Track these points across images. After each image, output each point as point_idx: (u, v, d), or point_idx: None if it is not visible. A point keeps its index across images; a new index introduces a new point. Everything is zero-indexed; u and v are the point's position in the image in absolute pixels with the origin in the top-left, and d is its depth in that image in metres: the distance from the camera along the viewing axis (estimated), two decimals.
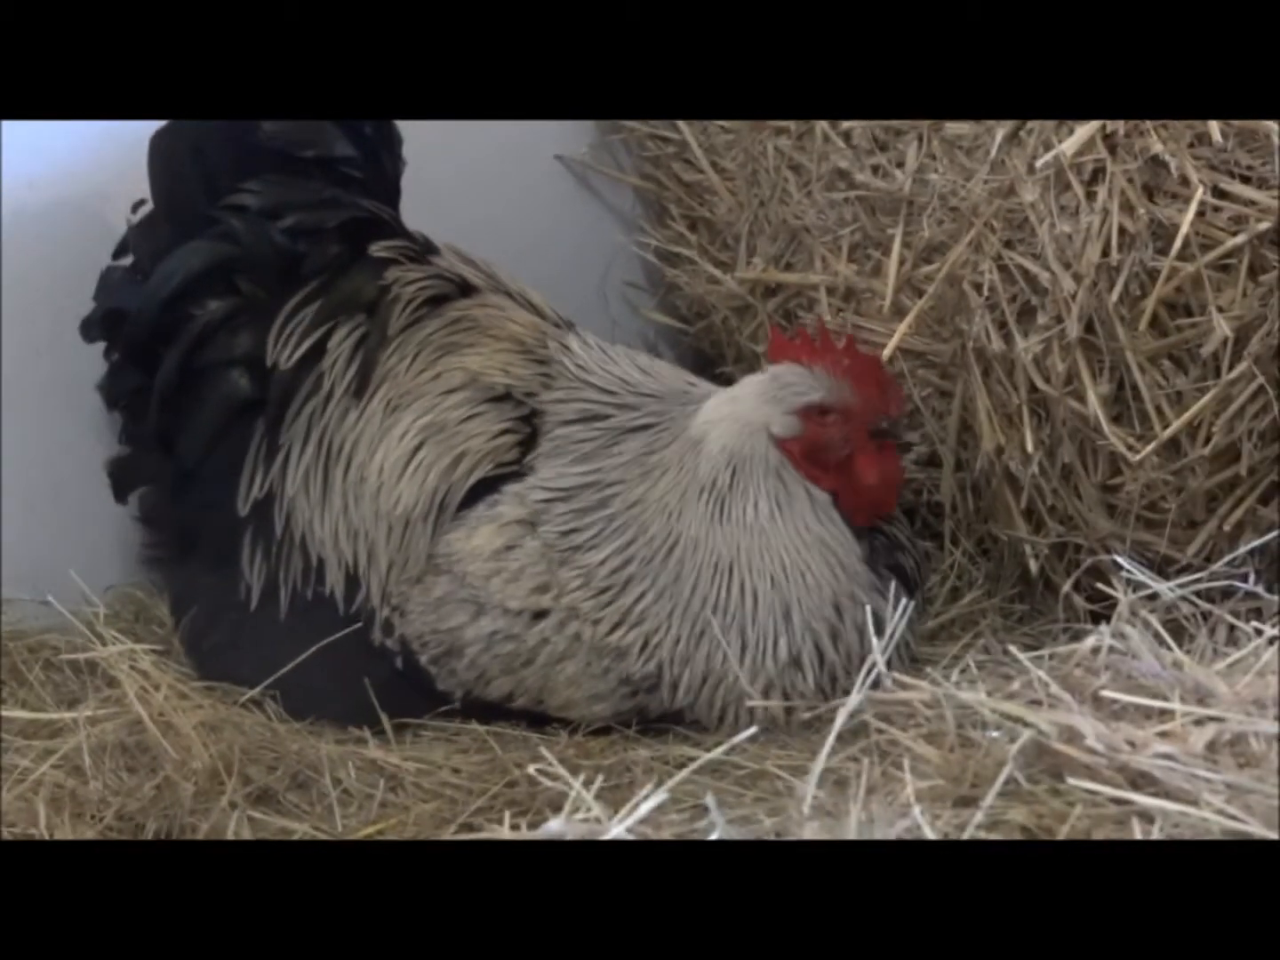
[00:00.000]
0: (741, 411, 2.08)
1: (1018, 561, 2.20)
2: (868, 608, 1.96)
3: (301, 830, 1.91)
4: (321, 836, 1.90)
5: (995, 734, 1.47)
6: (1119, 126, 1.94)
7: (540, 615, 2.07)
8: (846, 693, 1.95)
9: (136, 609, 2.30)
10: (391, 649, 2.11)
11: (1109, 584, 1.83)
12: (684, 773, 1.45)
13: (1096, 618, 2.00)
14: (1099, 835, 1.35)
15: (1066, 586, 2.04)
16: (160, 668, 2.03)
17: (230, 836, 1.85)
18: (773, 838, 1.40)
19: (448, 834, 1.87)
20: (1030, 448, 2.06)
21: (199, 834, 1.87)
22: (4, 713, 2.02)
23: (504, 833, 1.37)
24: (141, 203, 2.12)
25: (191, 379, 2.09)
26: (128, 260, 2.15)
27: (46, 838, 1.82)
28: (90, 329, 2.14)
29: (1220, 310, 1.89)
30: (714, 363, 2.52)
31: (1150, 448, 1.96)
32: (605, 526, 2.08)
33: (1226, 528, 1.98)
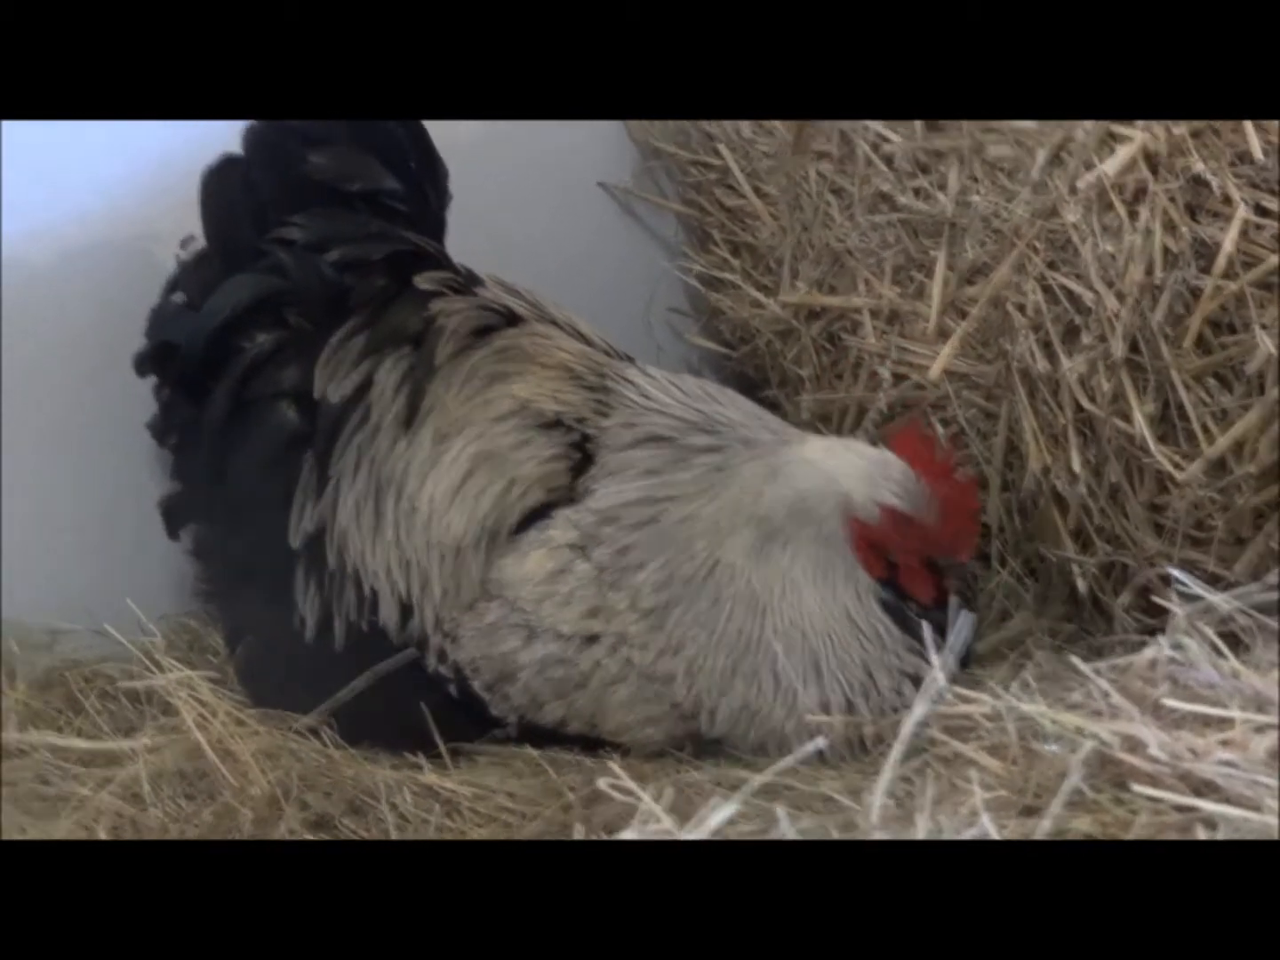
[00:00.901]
0: (835, 468, 2.06)
1: (1065, 581, 2.19)
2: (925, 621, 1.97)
3: None
4: None
5: (1054, 748, 1.48)
6: (1161, 146, 1.95)
7: (592, 639, 2.07)
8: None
9: (191, 638, 2.31)
10: (445, 675, 2.11)
11: (1158, 602, 1.84)
12: (755, 782, 1.44)
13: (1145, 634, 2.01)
14: None
15: (1122, 598, 2.04)
16: (218, 695, 2.04)
17: None
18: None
19: None
20: (1077, 467, 2.06)
21: None
22: (61, 742, 2.03)
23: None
24: (191, 239, 2.14)
25: (240, 412, 2.10)
26: (178, 297, 2.16)
27: None
28: (142, 364, 2.15)
29: (1264, 328, 1.89)
30: (758, 387, 2.52)
31: (1196, 465, 1.96)
32: (653, 542, 2.08)
33: (1274, 544, 1.97)
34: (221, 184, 2.10)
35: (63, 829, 1.87)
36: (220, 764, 1.93)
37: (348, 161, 2.10)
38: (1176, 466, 1.98)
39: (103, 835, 1.85)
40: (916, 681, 2.05)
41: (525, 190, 2.49)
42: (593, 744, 2.11)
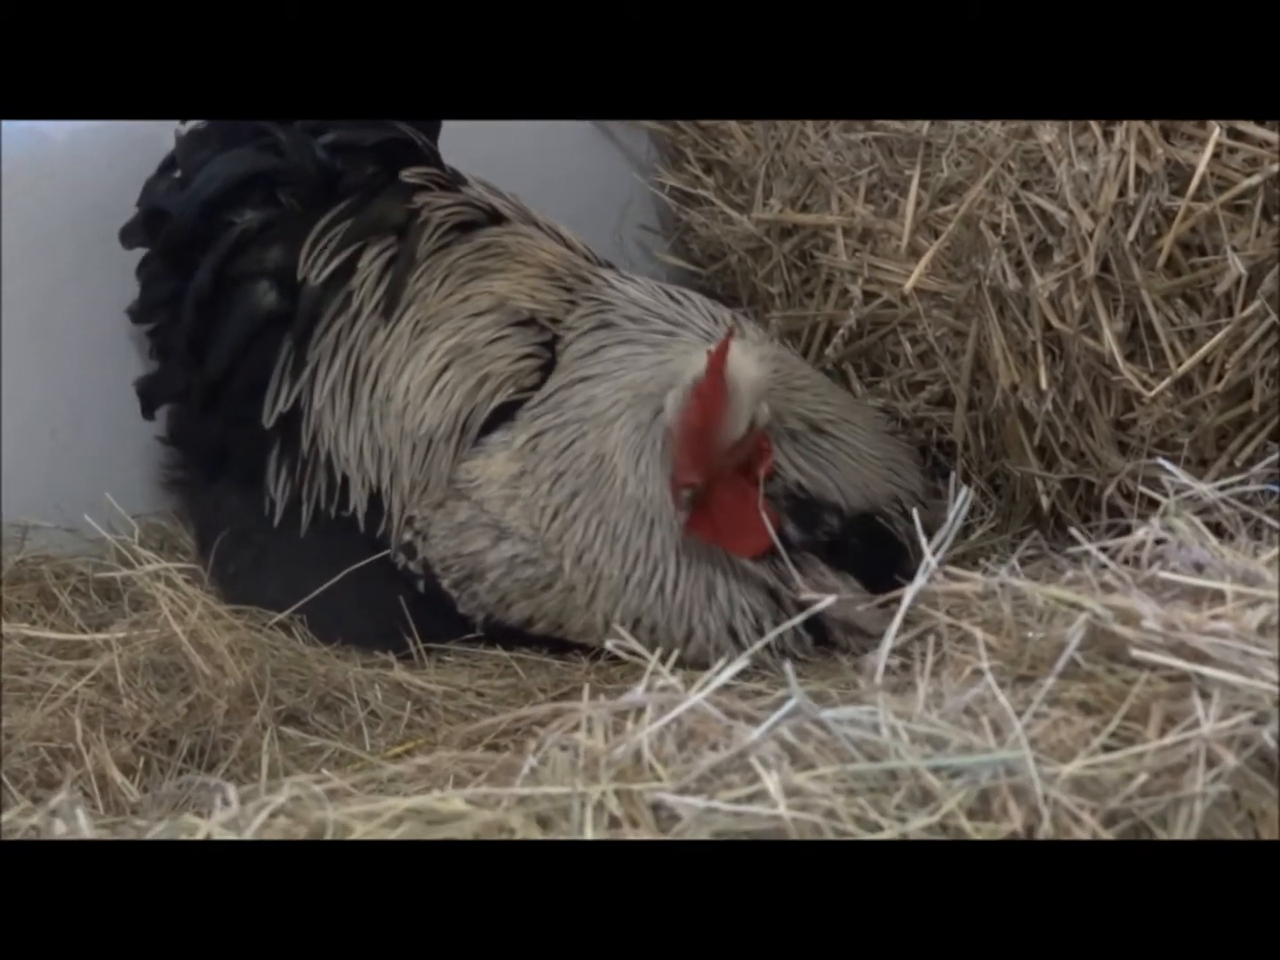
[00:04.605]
0: (699, 361, 1.94)
1: (1029, 498, 2.21)
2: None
3: (332, 748, 1.93)
4: (354, 753, 1.93)
5: (1039, 635, 1.49)
6: None
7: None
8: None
9: (162, 538, 2.31)
10: (414, 572, 2.12)
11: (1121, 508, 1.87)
12: (755, 647, 1.48)
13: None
14: (1157, 710, 1.37)
15: (1109, 490, 2.05)
16: (193, 588, 2.03)
17: (264, 753, 1.86)
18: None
19: (476, 754, 1.87)
20: (1044, 385, 2.07)
21: (232, 750, 1.89)
22: (34, 633, 2.02)
23: (584, 705, 1.37)
24: None
25: (224, 287, 2.10)
26: (174, 172, 2.16)
27: (83, 752, 1.83)
28: (131, 235, 2.15)
29: (1234, 250, 1.91)
30: (728, 305, 2.51)
31: (1163, 384, 1.98)
32: (557, 429, 2.06)
33: (1237, 463, 2.00)
34: None
35: (38, 718, 1.88)
36: (196, 655, 1.93)
37: None
38: (1144, 385, 2.00)
39: (78, 723, 1.85)
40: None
41: None
42: (560, 646, 2.12)
